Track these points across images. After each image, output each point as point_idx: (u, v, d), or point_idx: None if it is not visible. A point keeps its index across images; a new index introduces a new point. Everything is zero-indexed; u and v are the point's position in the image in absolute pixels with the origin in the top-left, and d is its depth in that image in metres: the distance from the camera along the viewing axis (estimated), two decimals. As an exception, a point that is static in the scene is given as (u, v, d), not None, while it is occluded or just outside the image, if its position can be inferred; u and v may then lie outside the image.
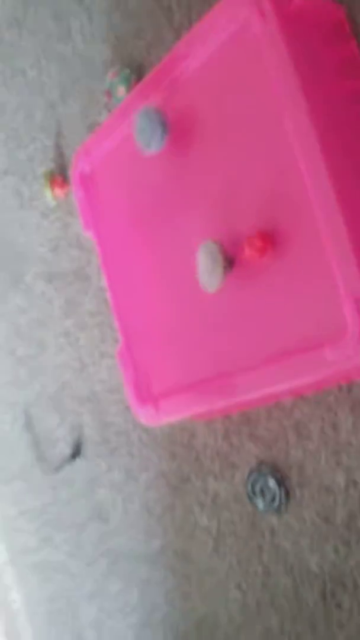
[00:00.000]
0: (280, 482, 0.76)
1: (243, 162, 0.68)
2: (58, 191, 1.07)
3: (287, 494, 0.76)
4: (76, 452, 1.12)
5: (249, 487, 0.79)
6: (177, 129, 0.75)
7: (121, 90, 0.91)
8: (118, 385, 1.04)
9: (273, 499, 0.77)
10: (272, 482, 0.77)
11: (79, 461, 1.12)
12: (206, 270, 0.69)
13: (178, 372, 0.78)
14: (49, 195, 1.08)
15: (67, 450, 1.14)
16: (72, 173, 0.91)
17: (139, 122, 0.74)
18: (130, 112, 0.81)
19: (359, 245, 0.57)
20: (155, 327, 0.82)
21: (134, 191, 0.85)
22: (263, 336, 0.68)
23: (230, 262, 0.69)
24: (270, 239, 0.66)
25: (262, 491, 0.78)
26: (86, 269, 1.08)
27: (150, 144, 0.74)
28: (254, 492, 0.79)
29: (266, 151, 0.65)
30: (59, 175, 1.08)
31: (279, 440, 0.76)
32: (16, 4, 1.14)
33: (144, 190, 0.83)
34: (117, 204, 0.88)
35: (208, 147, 0.73)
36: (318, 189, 0.59)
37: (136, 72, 0.92)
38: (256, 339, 0.68)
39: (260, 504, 0.79)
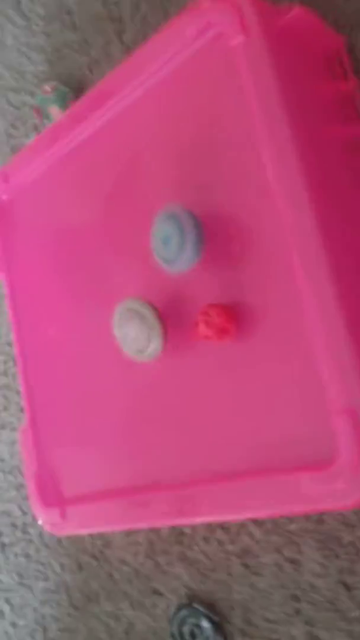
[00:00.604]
0: (218, 626, 0.59)
1: (211, 204, 0.52)
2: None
3: (225, 641, 0.58)
4: None
5: (175, 626, 0.61)
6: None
7: (54, 109, 0.75)
8: (19, 467, 0.84)
9: (205, 646, 0.59)
10: (205, 624, 0.59)
11: None
12: (133, 339, 0.53)
13: (97, 472, 0.60)
14: None
15: None
16: (-17, 202, 0.73)
17: (162, 229, 0.51)
18: (60, 135, 0.65)
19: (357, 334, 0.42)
20: (72, 406, 0.64)
21: (58, 231, 0.68)
22: (213, 439, 0.51)
23: (164, 328, 0.53)
24: (233, 315, 0.50)
25: (192, 633, 0.60)
26: (-7, 319, 0.89)
27: (176, 261, 0.51)
28: (180, 633, 0.61)
29: (240, 194, 0.50)
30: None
31: (219, 569, 0.59)
32: None
33: (70, 230, 0.67)
34: (36, 243, 0.70)
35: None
36: (305, 255, 0.44)
37: (75, 92, 0.76)
38: (203, 441, 0.52)
39: (188, 649, 0.61)
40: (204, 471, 0.51)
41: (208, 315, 0.49)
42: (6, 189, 0.71)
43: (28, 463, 0.65)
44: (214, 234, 0.51)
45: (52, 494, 0.63)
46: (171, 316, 0.53)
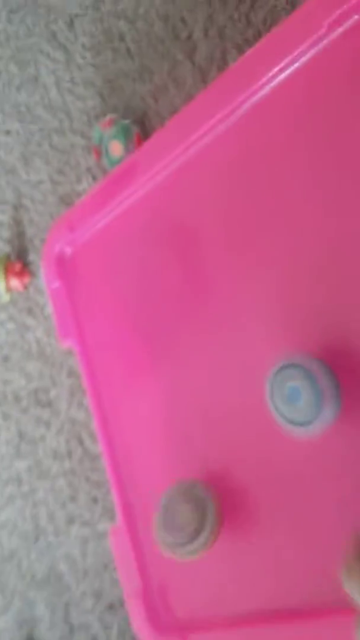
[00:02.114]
0: None
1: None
2: (15, 282, 0.77)
3: None
4: (25, 665, 0.75)
5: None
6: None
7: (117, 146, 0.64)
8: (96, 568, 0.70)
9: None
10: None
11: (27, 675, 0.75)
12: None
13: (219, 587, 0.47)
14: (2, 288, 0.77)
15: (10, 655, 0.78)
16: (45, 255, 0.62)
17: (285, 382, 0.40)
18: (136, 174, 0.55)
19: None
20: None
21: (136, 289, 0.57)
22: None
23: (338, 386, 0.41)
24: None
25: None
26: (50, 392, 0.77)
27: (311, 422, 0.40)
28: None
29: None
30: (16, 262, 0.79)
31: None
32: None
33: (152, 290, 0.55)
34: (110, 304, 0.59)
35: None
36: None
37: (138, 125, 0.66)
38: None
39: None
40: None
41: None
42: (72, 241, 0.60)
43: (127, 576, 0.52)
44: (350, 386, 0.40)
45: (165, 618, 0.49)
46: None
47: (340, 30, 0.40)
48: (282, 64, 0.44)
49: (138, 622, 0.51)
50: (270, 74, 0.45)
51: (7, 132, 0.84)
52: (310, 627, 0.41)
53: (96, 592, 0.69)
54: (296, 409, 0.39)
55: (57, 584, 0.74)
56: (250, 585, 0.45)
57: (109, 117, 0.65)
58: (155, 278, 0.55)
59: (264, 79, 0.46)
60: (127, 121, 0.65)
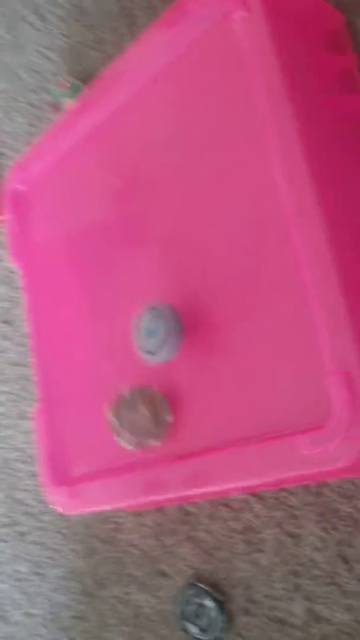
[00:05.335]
0: (221, 605, 0.58)
1: (215, 195, 0.53)
2: (-9, 218, 0.91)
3: (228, 621, 0.58)
4: (-23, 533, 0.91)
5: (180, 607, 0.61)
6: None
7: (69, 103, 0.77)
8: (35, 456, 0.85)
9: (209, 626, 0.59)
10: (209, 604, 0.59)
11: (-20, 543, 0.91)
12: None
13: (104, 451, 0.61)
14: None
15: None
16: (4, 191, 0.76)
17: (146, 323, 0.54)
18: (73, 124, 0.67)
19: (353, 306, 0.42)
20: (82, 391, 0.65)
21: (73, 221, 0.70)
22: (215, 417, 0.51)
23: (181, 328, 0.54)
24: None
25: (196, 614, 0.60)
26: (13, 311, 0.91)
27: (158, 353, 0.53)
28: (185, 614, 0.61)
29: (243, 179, 0.50)
30: (-6, 201, 0.93)
31: (222, 547, 0.59)
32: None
33: (84, 220, 0.68)
34: (52, 233, 0.72)
35: (168, 183, 0.58)
36: (305, 234, 0.45)
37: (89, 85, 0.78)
38: (205, 420, 0.52)
39: (192, 629, 0.60)
40: (204, 445, 0.51)
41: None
42: (24, 180, 0.74)
43: (39, 443, 0.67)
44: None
45: (62, 474, 0.64)
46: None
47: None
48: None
49: (43, 478, 0.65)
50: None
51: (-3, 90, 0.97)
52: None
53: (35, 473, 0.85)
54: (149, 342, 0.53)
55: (7, 468, 0.89)
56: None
57: (63, 78, 0.78)
58: (87, 215, 0.68)
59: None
60: (78, 82, 0.77)
